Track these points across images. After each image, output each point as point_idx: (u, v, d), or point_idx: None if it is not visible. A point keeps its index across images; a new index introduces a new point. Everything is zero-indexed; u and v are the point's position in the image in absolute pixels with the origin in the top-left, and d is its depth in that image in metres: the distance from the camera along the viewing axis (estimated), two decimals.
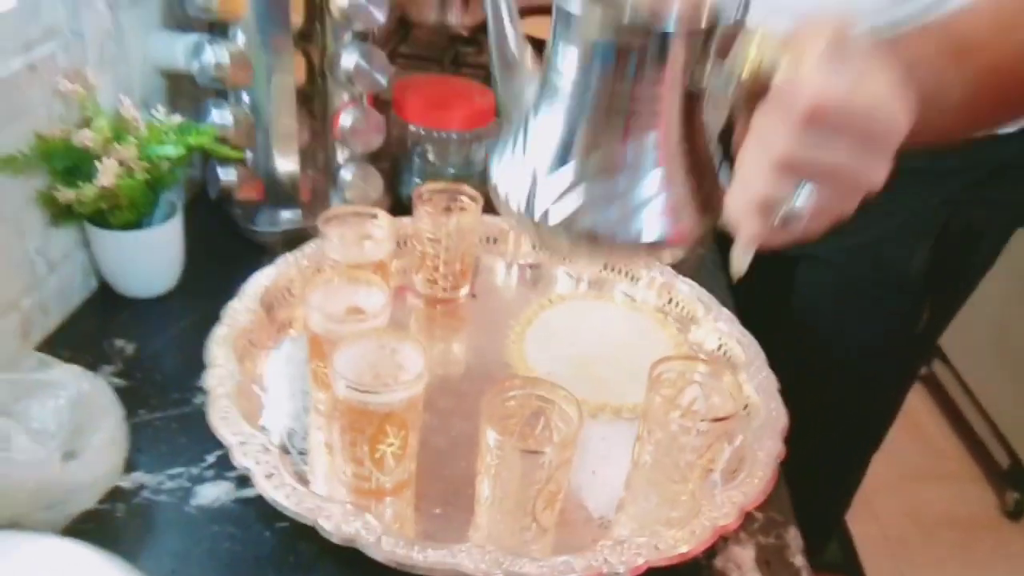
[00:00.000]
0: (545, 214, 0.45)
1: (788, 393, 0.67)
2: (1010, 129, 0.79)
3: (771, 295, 0.90)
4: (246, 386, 0.61)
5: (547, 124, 0.46)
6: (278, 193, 0.83)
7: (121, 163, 0.64)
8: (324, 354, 0.58)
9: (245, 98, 0.79)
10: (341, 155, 0.85)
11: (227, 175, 0.80)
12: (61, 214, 0.64)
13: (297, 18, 0.77)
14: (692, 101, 0.45)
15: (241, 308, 0.67)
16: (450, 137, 0.89)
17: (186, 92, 0.82)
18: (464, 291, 0.79)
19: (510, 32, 0.48)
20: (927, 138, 0.44)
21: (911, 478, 1.95)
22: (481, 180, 0.95)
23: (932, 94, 0.48)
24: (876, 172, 0.39)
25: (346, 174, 0.84)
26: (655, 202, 0.45)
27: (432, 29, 1.56)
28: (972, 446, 1.97)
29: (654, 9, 0.41)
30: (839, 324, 0.90)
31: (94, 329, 0.69)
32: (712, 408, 0.57)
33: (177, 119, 0.70)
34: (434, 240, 0.75)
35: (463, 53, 1.55)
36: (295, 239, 0.79)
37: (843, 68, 0.36)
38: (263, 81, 0.77)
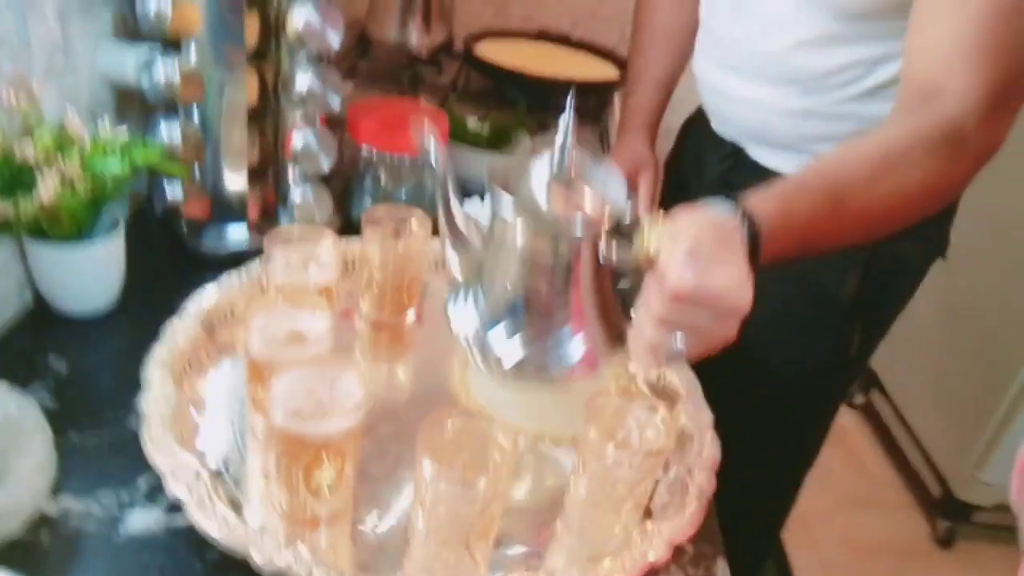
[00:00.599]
0: (495, 357, 0.60)
1: (723, 418, 0.70)
2: None
3: None
4: (182, 409, 0.60)
5: (491, 285, 0.61)
6: (226, 211, 0.82)
7: (63, 177, 0.63)
8: (263, 378, 0.57)
9: (195, 113, 0.78)
10: (292, 174, 0.84)
11: (174, 191, 0.79)
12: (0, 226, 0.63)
13: (252, 36, 0.77)
14: (602, 270, 0.60)
15: (181, 328, 0.67)
16: (403, 161, 0.90)
17: (135, 104, 0.81)
18: (410, 316, 0.79)
19: (458, 214, 0.64)
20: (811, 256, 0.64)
21: (848, 505, 2.00)
22: (432, 204, 0.95)
23: (810, 237, 0.63)
24: (728, 331, 0.52)
25: (296, 194, 0.84)
26: (577, 345, 0.60)
27: (392, 48, 1.56)
28: (906, 475, 2.03)
29: (567, 219, 0.56)
30: (774, 349, 0.94)
31: (27, 345, 0.67)
32: (646, 442, 0.58)
33: (124, 134, 0.69)
34: (381, 264, 0.75)
35: (422, 73, 1.56)
36: (241, 258, 0.78)
37: (698, 263, 0.50)
38: (215, 98, 0.76)
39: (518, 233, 0.58)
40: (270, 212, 0.86)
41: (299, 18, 0.75)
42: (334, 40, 0.76)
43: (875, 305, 0.96)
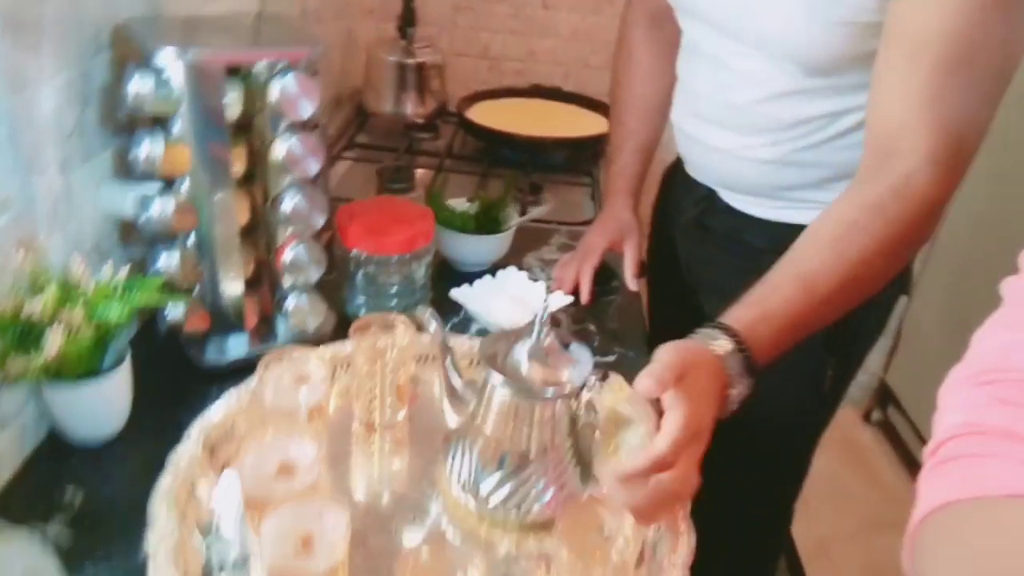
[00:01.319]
0: (485, 500, 0.70)
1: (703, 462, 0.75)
2: None
3: None
4: (186, 541, 0.65)
5: (483, 437, 0.71)
6: (225, 323, 0.88)
7: (68, 328, 0.68)
8: (257, 509, 0.62)
9: (192, 239, 0.84)
10: (286, 283, 0.90)
11: (174, 312, 0.85)
12: (13, 379, 0.69)
13: (239, 165, 0.83)
14: (573, 423, 0.71)
15: (185, 454, 0.72)
16: (390, 259, 0.95)
17: (137, 234, 0.87)
18: (401, 415, 0.84)
19: (456, 381, 0.75)
20: (791, 345, 0.71)
21: (869, 527, 2.01)
22: (421, 296, 1.00)
23: (796, 329, 0.70)
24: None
25: (291, 302, 0.89)
26: (554, 489, 0.70)
27: (388, 118, 1.62)
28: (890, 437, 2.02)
29: (542, 385, 0.68)
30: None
31: (45, 477, 0.73)
32: (618, 552, 0.62)
33: (124, 274, 0.75)
34: (369, 372, 0.80)
35: (418, 140, 1.62)
36: (244, 366, 0.83)
37: (679, 447, 0.59)
38: (208, 223, 0.82)
39: (505, 398, 0.69)
40: (267, 319, 0.91)
41: (281, 148, 0.81)
42: (313, 167, 0.81)
43: (846, 344, 1.01)
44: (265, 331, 0.91)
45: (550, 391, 0.68)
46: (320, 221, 0.85)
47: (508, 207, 1.15)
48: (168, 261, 0.82)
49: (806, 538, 1.92)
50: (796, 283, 0.71)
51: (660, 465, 0.58)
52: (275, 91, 0.78)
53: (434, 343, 0.76)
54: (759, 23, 0.83)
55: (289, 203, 0.83)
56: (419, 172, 1.45)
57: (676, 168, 1.14)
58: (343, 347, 0.87)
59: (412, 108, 1.62)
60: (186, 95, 0.75)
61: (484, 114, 1.64)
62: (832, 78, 0.84)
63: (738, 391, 0.67)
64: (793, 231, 0.98)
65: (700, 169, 1.05)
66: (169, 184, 0.81)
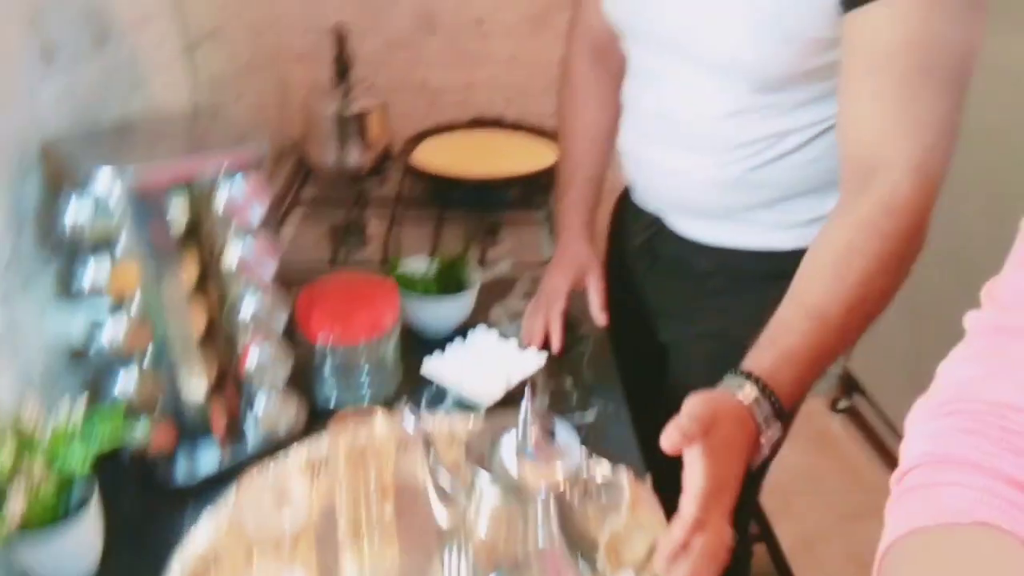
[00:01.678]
0: None
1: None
2: None
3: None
4: None
5: (476, 542, 0.68)
6: (192, 435, 0.84)
7: (29, 483, 0.64)
8: None
9: (148, 357, 0.80)
10: (254, 385, 0.86)
11: (137, 436, 0.81)
12: None
13: (191, 273, 0.79)
14: (567, 512, 0.68)
15: None
16: (358, 346, 0.92)
17: (88, 361, 0.82)
18: (389, 512, 0.82)
19: (443, 481, 0.71)
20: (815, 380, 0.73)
21: (849, 518, 2.04)
22: (392, 375, 0.98)
23: (816, 361, 0.71)
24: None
25: (260, 405, 0.86)
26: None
27: (333, 170, 1.58)
28: None
29: (533, 481, 0.65)
30: None
31: None
32: None
33: (80, 408, 0.71)
34: (351, 468, 0.77)
35: (366, 190, 1.58)
36: (216, 480, 0.80)
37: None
38: (164, 339, 0.78)
39: (496, 500, 0.67)
40: (236, 423, 0.88)
41: (233, 254, 0.78)
42: (269, 269, 0.78)
43: None
44: (235, 437, 0.87)
45: (543, 491, 0.67)
46: (281, 322, 0.82)
47: (469, 264, 1.13)
48: (126, 383, 0.78)
49: (789, 535, 1.95)
50: (806, 317, 0.71)
51: (694, 526, 0.58)
52: (222, 198, 0.75)
53: (416, 441, 0.74)
54: (709, 42, 0.83)
55: (248, 309, 0.80)
56: (372, 223, 1.42)
57: (625, 197, 1.15)
58: (320, 446, 0.84)
59: (356, 157, 1.58)
60: (128, 216, 0.71)
61: (430, 154, 1.61)
62: (780, 95, 0.85)
63: (769, 436, 0.68)
64: (739, 255, 1.01)
65: (649, 194, 1.05)
66: (118, 303, 0.77)
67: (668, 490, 0.75)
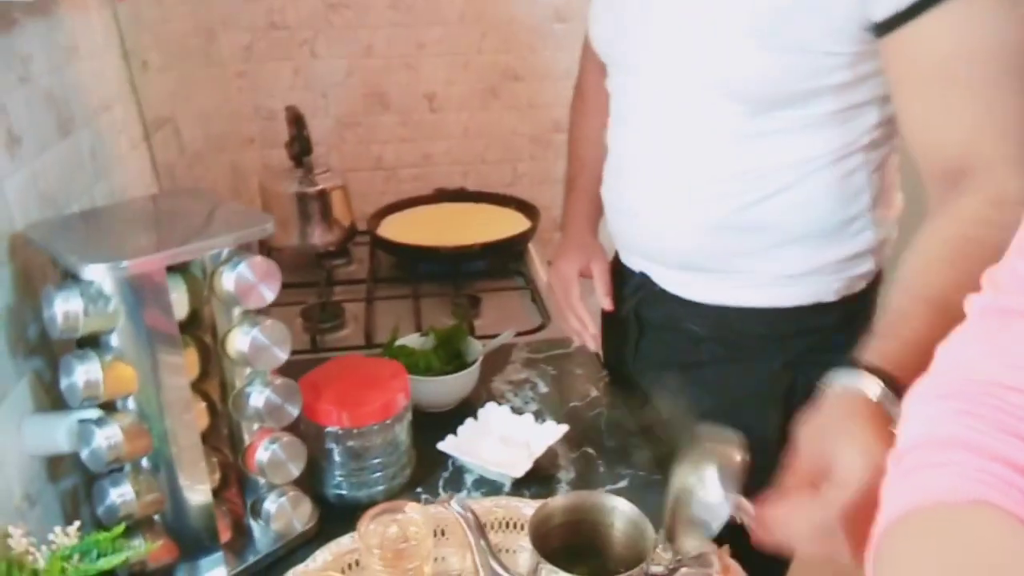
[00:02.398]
0: None
1: None
2: (830, 299, 0.92)
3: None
4: None
5: None
6: (195, 546, 0.75)
7: None
8: None
9: (145, 461, 0.71)
10: (262, 484, 0.78)
11: (134, 547, 0.71)
12: None
13: (192, 368, 0.72)
14: None
15: None
16: (372, 428, 0.85)
17: (75, 470, 0.73)
18: None
19: (496, 566, 0.65)
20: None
21: None
22: (405, 458, 0.90)
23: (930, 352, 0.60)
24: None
25: (271, 505, 0.78)
26: None
27: (296, 251, 1.52)
28: None
29: None
30: None
31: None
32: None
33: (74, 533, 0.62)
34: (384, 565, 0.70)
35: (334, 268, 1.52)
36: None
37: None
38: (165, 442, 0.70)
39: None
40: (242, 530, 0.79)
41: (241, 340, 0.70)
42: (282, 355, 0.71)
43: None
44: (241, 544, 0.78)
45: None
46: (296, 411, 0.74)
47: (466, 337, 1.08)
48: (121, 494, 0.69)
49: None
50: (927, 308, 0.66)
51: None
52: (229, 281, 0.68)
53: (468, 532, 0.66)
54: (707, 58, 0.81)
55: (259, 397, 0.72)
56: (347, 306, 1.36)
57: (613, 265, 1.11)
58: (347, 544, 0.76)
59: (320, 237, 1.52)
60: (124, 308, 0.64)
61: (397, 229, 1.57)
62: (775, 118, 0.82)
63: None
64: (734, 315, 0.94)
65: (634, 247, 1.02)
66: (112, 404, 0.68)
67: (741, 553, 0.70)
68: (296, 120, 1.47)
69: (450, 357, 1.06)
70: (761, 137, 0.83)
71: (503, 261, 1.53)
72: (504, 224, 1.59)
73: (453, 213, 1.71)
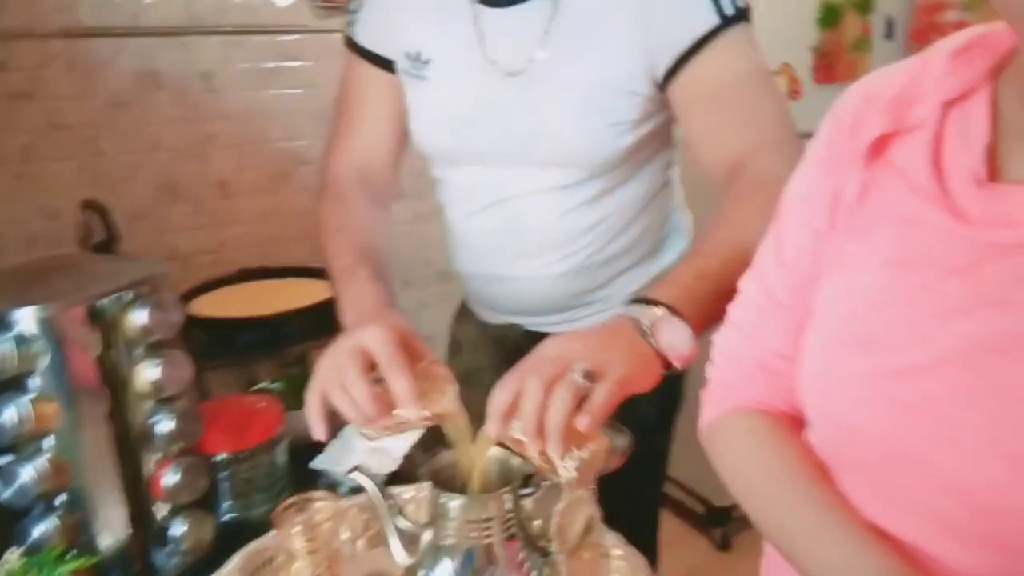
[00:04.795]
0: None
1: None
2: None
3: None
4: None
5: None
6: (110, 571, 0.80)
7: None
8: None
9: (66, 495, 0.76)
10: (166, 508, 0.85)
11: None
12: None
13: (106, 405, 0.78)
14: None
15: None
16: (255, 452, 0.95)
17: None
18: None
19: (399, 524, 0.74)
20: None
21: None
22: (285, 481, 1.00)
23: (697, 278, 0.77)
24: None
25: (176, 528, 0.85)
26: None
27: None
28: (674, 509, 2.35)
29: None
30: None
31: None
32: None
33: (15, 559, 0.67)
34: (310, 554, 0.80)
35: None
36: None
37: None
38: (85, 475, 0.76)
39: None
40: (147, 552, 0.85)
41: (148, 372, 0.80)
42: (182, 382, 0.81)
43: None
44: (152, 564, 0.84)
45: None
46: (198, 433, 0.84)
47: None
48: (45, 529, 0.74)
49: None
50: (701, 258, 0.79)
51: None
52: (136, 319, 0.78)
53: (374, 498, 0.79)
54: (548, 138, 0.94)
55: (165, 424, 0.81)
56: None
57: (462, 319, 1.20)
58: (254, 548, 0.85)
59: None
60: (45, 351, 0.72)
61: (207, 308, 1.62)
62: (611, 176, 0.97)
63: (668, 330, 0.72)
64: None
65: (496, 307, 1.11)
66: (33, 444, 0.74)
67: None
68: (101, 212, 1.50)
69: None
70: (604, 194, 0.98)
71: (326, 323, 1.64)
72: (314, 291, 1.70)
73: (260, 289, 1.79)
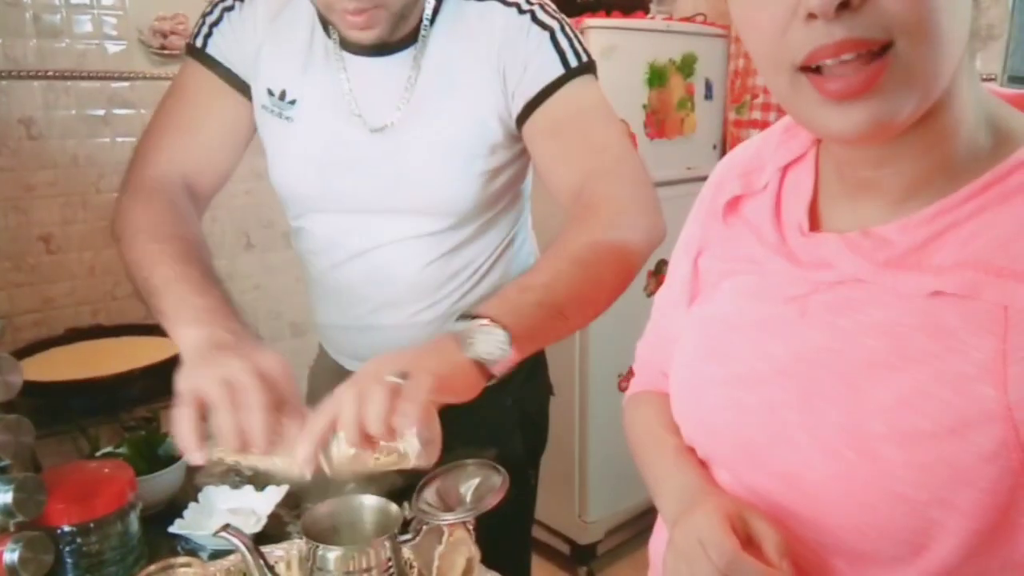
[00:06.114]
0: None
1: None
2: None
3: None
4: None
5: None
6: None
7: None
8: None
9: None
10: None
11: None
12: None
13: None
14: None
15: None
16: (104, 521, 0.87)
17: None
18: None
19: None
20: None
21: None
22: (138, 550, 0.93)
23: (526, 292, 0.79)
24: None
25: None
26: None
27: None
28: (541, 551, 2.34)
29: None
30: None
31: None
32: None
33: None
34: None
35: None
36: None
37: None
38: None
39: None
40: None
41: None
42: (26, 445, 0.74)
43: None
44: None
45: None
46: (44, 499, 0.76)
47: (165, 438, 1.13)
48: None
49: None
50: (539, 282, 0.79)
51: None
52: None
53: (246, 554, 0.76)
54: (414, 187, 0.96)
55: (3, 497, 0.74)
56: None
57: (320, 370, 1.19)
58: None
59: None
60: None
61: (33, 372, 1.48)
62: (473, 224, 1.00)
63: (483, 331, 0.72)
64: None
65: (362, 355, 1.08)
66: None
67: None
68: None
69: (153, 459, 1.09)
70: (467, 241, 1.01)
71: (167, 384, 1.54)
72: (155, 349, 1.60)
73: (94, 349, 1.66)
